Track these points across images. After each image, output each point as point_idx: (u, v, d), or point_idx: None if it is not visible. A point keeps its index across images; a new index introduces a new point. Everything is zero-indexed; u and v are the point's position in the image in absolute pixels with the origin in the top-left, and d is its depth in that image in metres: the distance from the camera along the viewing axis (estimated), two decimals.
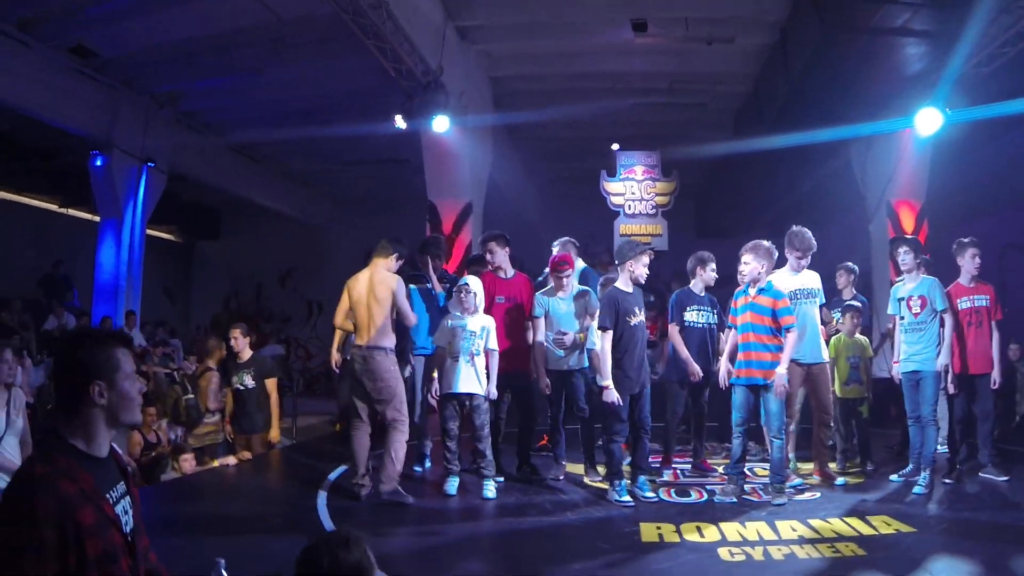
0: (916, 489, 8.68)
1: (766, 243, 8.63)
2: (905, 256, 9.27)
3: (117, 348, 3.21)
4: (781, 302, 8.45)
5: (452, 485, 8.48)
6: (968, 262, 9.33)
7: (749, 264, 8.51)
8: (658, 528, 7.24)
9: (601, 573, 6.21)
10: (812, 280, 9.19)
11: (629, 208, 17.50)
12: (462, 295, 8.54)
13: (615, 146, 18.28)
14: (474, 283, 8.67)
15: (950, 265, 9.55)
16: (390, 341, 8.39)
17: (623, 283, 8.43)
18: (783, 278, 9.10)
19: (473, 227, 15.96)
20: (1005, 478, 9.08)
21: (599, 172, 17.24)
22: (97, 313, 17.39)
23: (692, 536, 7.00)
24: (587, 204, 18.66)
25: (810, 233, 9.19)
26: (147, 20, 13.61)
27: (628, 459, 8.67)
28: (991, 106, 13.02)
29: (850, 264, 10.89)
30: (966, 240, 9.41)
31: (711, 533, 7.07)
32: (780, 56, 14.76)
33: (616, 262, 8.66)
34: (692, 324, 9.47)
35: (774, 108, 15.51)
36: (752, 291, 8.53)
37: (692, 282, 9.62)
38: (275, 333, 25.71)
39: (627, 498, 8.19)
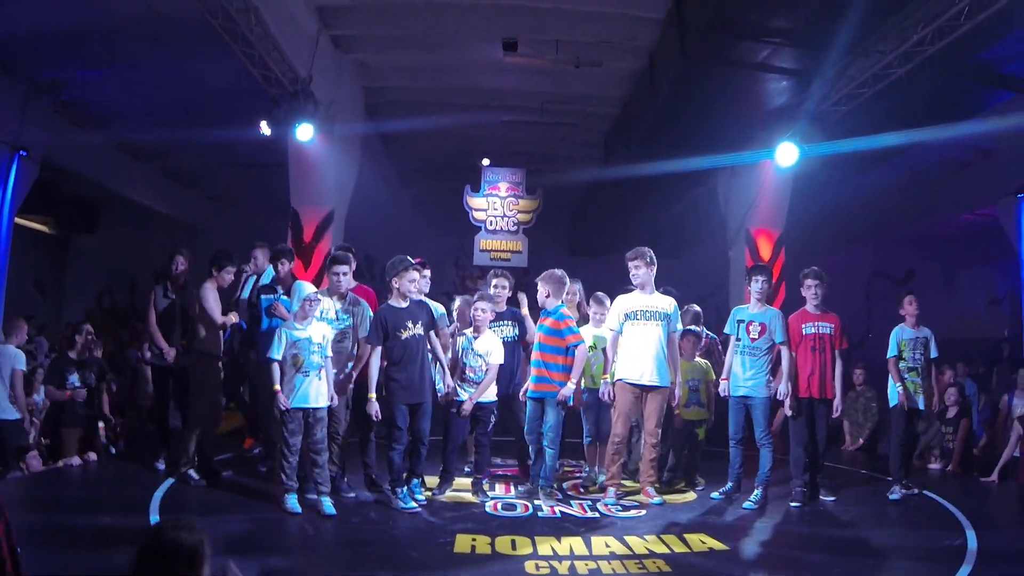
0: (746, 505, 9.10)
1: (558, 272, 9.20)
2: (763, 284, 9.71)
3: None
4: (564, 323, 9.00)
5: (292, 501, 8.23)
6: (806, 291, 9.78)
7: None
8: (473, 540, 7.37)
9: None
10: (663, 303, 9.36)
11: (491, 224, 17.79)
12: (308, 305, 8.42)
13: (485, 161, 18.50)
14: (310, 290, 8.57)
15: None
16: (202, 346, 9.32)
17: (395, 299, 8.81)
18: (631, 298, 9.37)
19: (335, 235, 15.87)
20: (832, 499, 9.50)
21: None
22: None
23: (504, 548, 7.15)
24: (460, 217, 18.90)
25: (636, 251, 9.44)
26: (28, 4, 13.28)
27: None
28: (842, 142, 13.48)
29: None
30: (805, 271, 9.88)
31: (524, 546, 7.23)
32: (648, 82, 15.01)
33: (387, 278, 8.90)
34: None
35: (641, 133, 15.74)
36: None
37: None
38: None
39: (412, 504, 8.53)
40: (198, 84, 15.78)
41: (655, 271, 9.38)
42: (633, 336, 9.20)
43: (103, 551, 6.46)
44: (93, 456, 10.49)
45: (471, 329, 9.35)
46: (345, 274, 8.93)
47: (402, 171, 21.80)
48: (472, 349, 9.25)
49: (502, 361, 9.32)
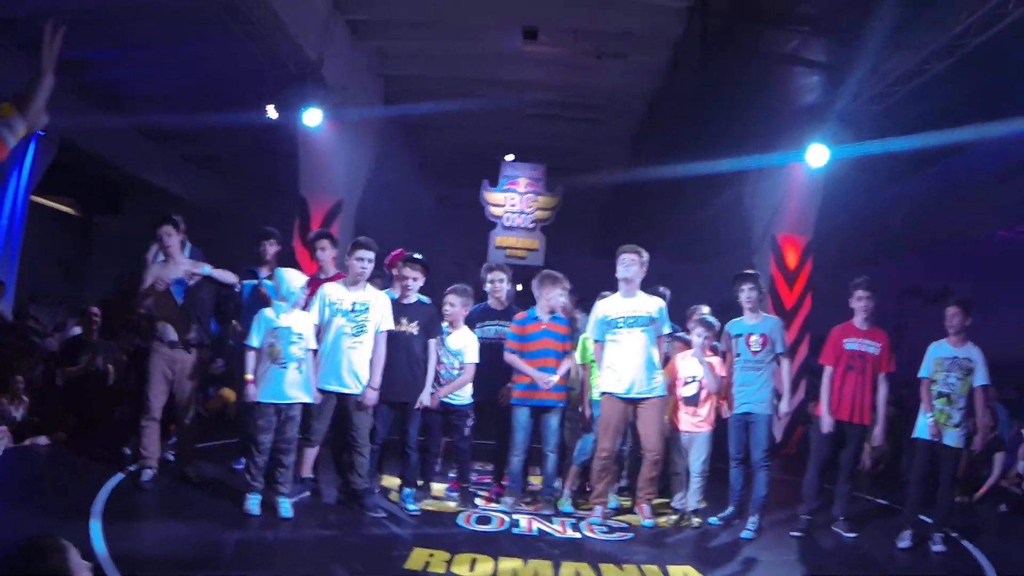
0: (744, 534, 8.35)
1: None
2: (751, 292, 8.92)
3: None
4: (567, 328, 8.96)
5: (254, 503, 7.70)
6: (855, 302, 8.92)
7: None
8: (430, 555, 6.77)
9: None
10: (648, 304, 8.64)
11: (507, 220, 17.27)
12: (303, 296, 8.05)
13: (510, 157, 18.03)
14: (296, 278, 8.07)
15: (838, 304, 9.25)
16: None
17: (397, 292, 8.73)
18: (611, 302, 8.72)
19: (343, 226, 15.43)
20: (852, 535, 8.64)
21: None
22: None
23: (461, 568, 6.54)
24: (482, 213, 18.40)
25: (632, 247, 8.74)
26: None
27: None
28: (875, 143, 12.75)
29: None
30: (856, 281, 9.02)
31: (484, 567, 6.60)
32: (673, 77, 14.42)
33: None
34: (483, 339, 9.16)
35: (666, 131, 15.19)
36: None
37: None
38: None
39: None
40: (215, 66, 15.37)
41: (645, 272, 8.68)
42: (618, 344, 8.55)
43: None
44: (64, 436, 10.18)
45: (446, 325, 8.85)
46: (371, 261, 8.28)
47: (424, 165, 21.44)
48: (446, 345, 8.75)
49: (477, 360, 8.79)
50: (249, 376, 7.77)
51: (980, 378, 8.53)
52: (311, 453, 8.39)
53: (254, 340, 7.83)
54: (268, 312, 7.93)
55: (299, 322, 7.92)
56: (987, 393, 8.74)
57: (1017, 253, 19.62)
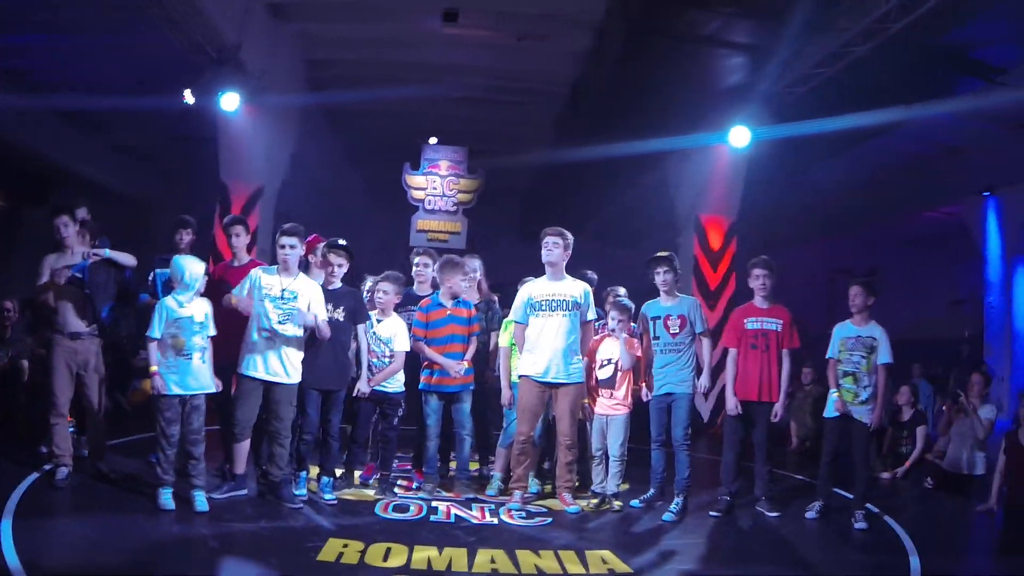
0: (666, 516, 8.30)
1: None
2: (666, 275, 8.84)
3: None
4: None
5: (167, 497, 7.49)
6: (753, 282, 8.93)
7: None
8: (344, 546, 6.64)
9: None
10: (572, 289, 8.53)
11: (429, 203, 17.21)
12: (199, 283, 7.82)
13: (433, 140, 17.91)
14: (195, 265, 7.85)
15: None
16: None
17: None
18: (537, 284, 8.61)
19: (264, 212, 15.31)
20: (775, 514, 8.63)
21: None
22: None
23: (374, 559, 6.39)
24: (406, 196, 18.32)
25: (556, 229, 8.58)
26: None
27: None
28: (794, 124, 12.82)
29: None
30: (753, 260, 9.03)
31: (398, 557, 6.46)
32: (595, 59, 14.37)
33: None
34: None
35: (589, 114, 15.16)
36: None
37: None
38: None
39: (301, 502, 8.03)
40: (134, 52, 15.12)
41: (569, 256, 8.57)
42: (538, 327, 8.43)
43: None
44: None
45: (376, 312, 8.74)
46: (293, 247, 8.07)
47: (349, 150, 21.31)
48: (375, 333, 8.63)
49: (408, 348, 8.70)
50: (154, 368, 7.59)
51: (883, 356, 8.59)
52: (241, 448, 8.12)
53: (156, 331, 7.62)
54: (169, 302, 7.73)
55: (200, 310, 7.76)
56: (888, 370, 8.74)
57: (943, 234, 19.86)
